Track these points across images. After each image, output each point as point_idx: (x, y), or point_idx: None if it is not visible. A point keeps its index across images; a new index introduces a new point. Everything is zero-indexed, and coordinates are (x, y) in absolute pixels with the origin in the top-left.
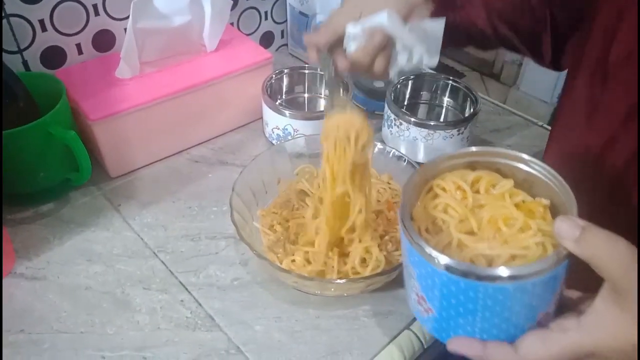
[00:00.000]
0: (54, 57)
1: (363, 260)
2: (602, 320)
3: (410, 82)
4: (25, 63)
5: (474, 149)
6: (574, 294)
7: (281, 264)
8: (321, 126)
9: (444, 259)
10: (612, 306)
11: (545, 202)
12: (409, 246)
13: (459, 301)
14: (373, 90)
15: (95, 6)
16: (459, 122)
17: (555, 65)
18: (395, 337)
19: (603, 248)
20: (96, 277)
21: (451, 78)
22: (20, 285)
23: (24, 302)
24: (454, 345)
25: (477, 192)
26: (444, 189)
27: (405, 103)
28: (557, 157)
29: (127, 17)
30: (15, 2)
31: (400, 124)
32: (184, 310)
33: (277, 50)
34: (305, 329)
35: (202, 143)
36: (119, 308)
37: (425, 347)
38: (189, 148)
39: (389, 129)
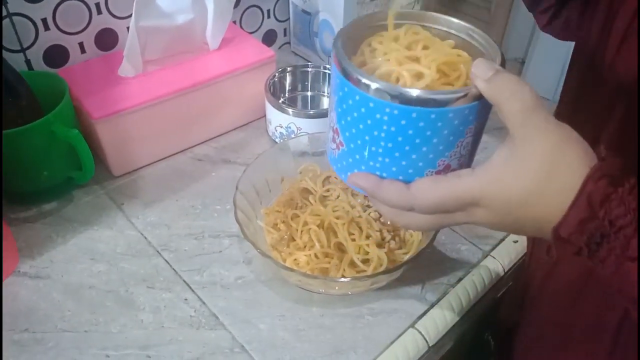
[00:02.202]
0: (56, 55)
1: (366, 260)
2: (493, 171)
3: None
4: (28, 62)
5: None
6: None
7: (285, 262)
8: (325, 124)
9: (360, 75)
10: (506, 157)
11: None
12: (333, 67)
13: (366, 126)
14: None
15: (97, 5)
16: None
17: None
18: (399, 335)
19: (508, 91)
20: (100, 275)
21: None
22: (24, 284)
23: (28, 301)
24: (353, 178)
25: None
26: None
27: None
28: None
29: (130, 16)
30: (18, 1)
31: None
32: (188, 308)
33: (279, 48)
34: (309, 327)
35: (205, 142)
36: (122, 307)
37: (430, 345)
38: (192, 147)
39: None
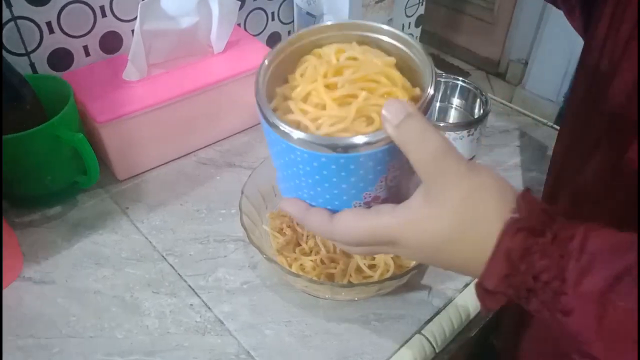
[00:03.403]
0: (61, 59)
1: (373, 266)
2: (410, 213)
3: None
4: (32, 65)
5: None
6: None
7: (291, 267)
8: None
9: (270, 117)
10: (422, 202)
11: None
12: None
13: (286, 162)
14: None
15: (102, 8)
16: (469, 123)
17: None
18: (406, 341)
19: (416, 138)
20: (105, 280)
21: (460, 78)
22: (29, 289)
23: (33, 307)
24: (283, 203)
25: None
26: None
27: None
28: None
29: (135, 19)
30: (23, 4)
31: None
32: (194, 314)
33: None
34: (315, 333)
35: (209, 145)
36: (127, 312)
37: (437, 351)
38: (197, 150)
39: None
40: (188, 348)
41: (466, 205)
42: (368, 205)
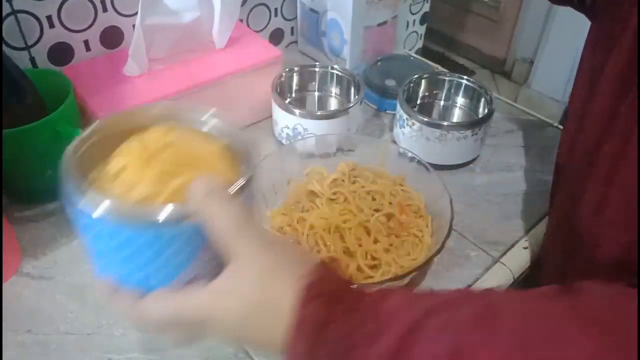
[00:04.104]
0: (61, 53)
1: (374, 266)
2: (215, 291)
3: (423, 81)
4: (32, 60)
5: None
6: None
7: None
8: (332, 125)
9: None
10: (224, 277)
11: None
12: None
13: (93, 237)
14: (385, 89)
15: (103, 2)
16: (473, 123)
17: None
18: None
19: (216, 212)
20: None
21: (465, 77)
22: (28, 284)
23: (31, 302)
24: (97, 282)
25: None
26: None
27: (418, 102)
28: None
29: (136, 14)
30: None
31: (413, 124)
32: None
33: (286, 47)
34: None
35: None
36: None
37: None
38: None
39: (400, 128)
40: (186, 346)
41: (263, 280)
42: (189, 284)
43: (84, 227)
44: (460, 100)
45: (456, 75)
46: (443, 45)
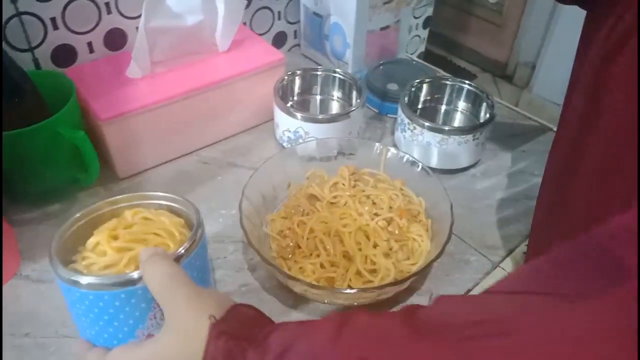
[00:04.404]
0: (65, 55)
1: (373, 270)
2: (157, 343)
3: (425, 85)
4: (36, 61)
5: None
6: None
7: (290, 270)
8: (334, 129)
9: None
10: (163, 330)
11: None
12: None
13: (69, 302)
14: (386, 92)
15: (107, 4)
16: (474, 128)
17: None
18: None
19: (150, 271)
20: None
21: (467, 82)
22: (26, 287)
23: (30, 305)
24: (73, 343)
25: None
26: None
27: (419, 107)
28: None
29: (139, 16)
30: (28, 0)
31: (414, 128)
32: None
33: (289, 50)
34: None
35: (212, 144)
36: None
37: None
38: (199, 149)
39: (402, 133)
40: None
41: (187, 325)
42: (148, 338)
43: (65, 295)
44: (461, 104)
45: (458, 79)
46: (445, 48)
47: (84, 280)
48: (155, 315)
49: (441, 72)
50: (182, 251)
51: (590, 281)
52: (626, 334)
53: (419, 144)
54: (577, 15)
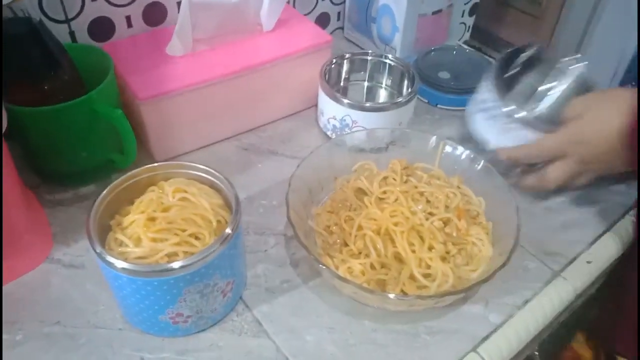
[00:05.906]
0: (102, 29)
1: (428, 275)
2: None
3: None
4: (72, 34)
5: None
6: None
7: (337, 269)
8: (383, 118)
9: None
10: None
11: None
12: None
13: (114, 286)
14: (438, 81)
15: None
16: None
17: None
18: (460, 359)
19: None
20: None
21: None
22: (58, 272)
23: (61, 292)
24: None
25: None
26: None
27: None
28: None
29: None
30: None
31: (509, 114)
32: (230, 311)
33: (331, 33)
34: (360, 342)
35: (251, 130)
36: None
37: None
38: (238, 134)
39: (486, 121)
40: (222, 348)
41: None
42: (174, 320)
43: (100, 267)
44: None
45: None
46: (482, 40)
47: (119, 264)
48: (185, 298)
49: (493, 62)
50: (225, 236)
51: None
52: None
53: (505, 133)
54: (623, 10)
